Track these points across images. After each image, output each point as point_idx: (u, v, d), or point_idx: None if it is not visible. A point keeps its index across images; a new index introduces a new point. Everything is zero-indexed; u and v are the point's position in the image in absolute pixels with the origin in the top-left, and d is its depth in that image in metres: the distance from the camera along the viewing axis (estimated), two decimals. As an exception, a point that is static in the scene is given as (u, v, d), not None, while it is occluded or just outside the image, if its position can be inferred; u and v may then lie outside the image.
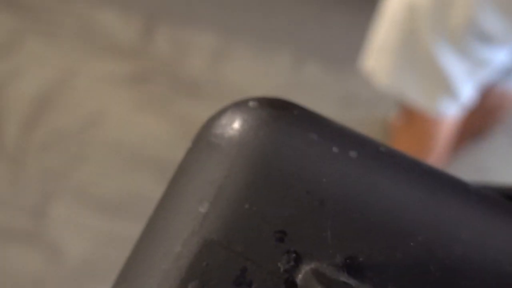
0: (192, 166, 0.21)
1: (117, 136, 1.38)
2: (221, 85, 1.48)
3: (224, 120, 0.21)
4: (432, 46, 0.83)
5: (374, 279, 0.20)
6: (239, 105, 0.21)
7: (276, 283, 0.20)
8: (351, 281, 0.20)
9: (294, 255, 0.20)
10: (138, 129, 1.38)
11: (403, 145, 1.07)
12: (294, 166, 0.20)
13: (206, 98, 1.45)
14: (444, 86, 0.87)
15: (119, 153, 1.35)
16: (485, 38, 0.80)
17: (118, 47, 1.52)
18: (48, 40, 1.52)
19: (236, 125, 0.21)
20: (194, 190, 0.20)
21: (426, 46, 0.84)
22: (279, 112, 0.21)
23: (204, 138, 0.21)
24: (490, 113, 1.20)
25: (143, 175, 1.30)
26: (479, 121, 1.25)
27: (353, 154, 0.21)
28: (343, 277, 0.20)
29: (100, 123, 1.39)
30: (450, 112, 0.92)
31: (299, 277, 0.20)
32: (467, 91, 0.88)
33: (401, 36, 0.87)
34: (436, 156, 1.04)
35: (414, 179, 0.21)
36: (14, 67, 1.48)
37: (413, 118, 0.99)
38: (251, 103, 0.21)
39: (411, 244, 0.20)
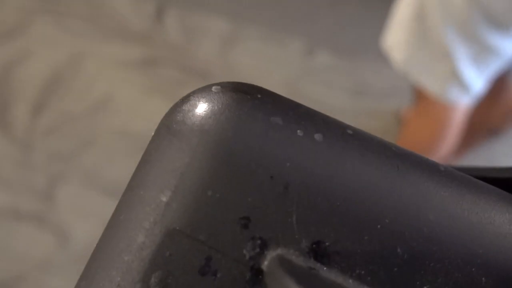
0: (154, 155, 0.21)
1: (125, 120, 1.38)
2: (231, 70, 1.47)
3: (186, 106, 0.21)
4: (439, 25, 0.82)
5: (341, 263, 0.19)
6: (202, 91, 0.21)
7: (242, 271, 0.19)
8: (318, 267, 0.19)
9: (259, 241, 0.19)
10: (146, 114, 1.38)
11: (414, 133, 1.07)
12: (258, 150, 0.20)
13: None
14: (450, 68, 0.86)
15: (127, 137, 1.35)
16: (492, 21, 0.79)
17: (129, 31, 1.51)
18: (58, 22, 1.52)
19: (198, 110, 0.20)
20: (155, 179, 0.20)
21: (434, 24, 0.83)
22: (242, 96, 0.21)
23: (165, 126, 0.21)
24: (508, 111, 1.19)
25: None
26: (496, 119, 1.23)
27: (318, 137, 0.20)
28: (310, 263, 0.19)
29: (108, 107, 1.40)
30: (459, 99, 0.91)
31: (265, 264, 0.19)
32: (474, 78, 0.87)
33: (413, 12, 0.86)
34: (446, 144, 1.03)
35: (381, 161, 0.20)
36: (22, 49, 1.48)
37: (424, 103, 0.98)
38: (214, 88, 0.21)
39: (378, 227, 0.20)
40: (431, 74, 0.90)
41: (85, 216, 1.24)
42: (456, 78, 0.87)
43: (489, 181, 0.21)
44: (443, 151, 1.04)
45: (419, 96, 0.99)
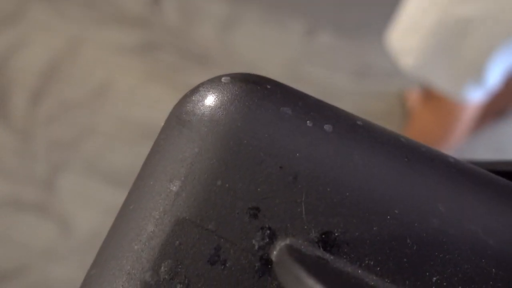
0: (163, 145, 0.21)
1: (125, 107, 1.37)
2: (231, 54, 1.46)
3: (195, 97, 0.21)
4: (483, 43, 0.79)
5: (350, 253, 0.20)
6: (211, 81, 0.21)
7: (251, 261, 0.19)
8: (327, 256, 0.20)
9: (268, 231, 0.20)
10: (146, 100, 1.38)
11: (424, 125, 1.06)
12: (267, 141, 0.20)
13: (216, 68, 1.44)
14: (476, 74, 0.83)
15: (127, 124, 1.35)
16: None
17: (126, 16, 1.50)
18: (54, 8, 1.51)
19: (207, 101, 0.20)
20: (165, 169, 0.20)
21: (475, 42, 0.80)
22: (251, 86, 0.21)
23: (175, 116, 0.21)
24: None
25: (151, 146, 1.26)
26: (502, 101, 1.23)
27: (328, 128, 0.20)
28: (319, 253, 0.20)
29: (108, 94, 1.39)
30: (476, 97, 0.89)
31: (274, 254, 0.19)
32: (494, 77, 0.85)
33: (438, 24, 0.82)
34: (455, 137, 1.02)
35: (391, 152, 0.20)
36: (19, 37, 1.47)
37: (435, 99, 0.97)
38: (223, 79, 0.21)
39: (388, 217, 0.20)
40: (448, 79, 0.87)
41: (87, 204, 1.24)
42: (477, 80, 0.85)
43: (499, 174, 0.21)
44: (452, 142, 1.03)
45: (430, 93, 0.97)
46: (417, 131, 1.08)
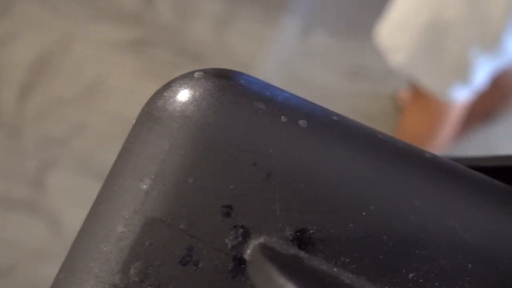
0: (134, 142, 0.20)
1: (117, 104, 1.37)
2: (225, 52, 1.46)
3: (167, 93, 0.20)
4: (463, 44, 0.80)
5: (325, 251, 0.19)
6: (184, 77, 0.21)
7: (224, 260, 0.19)
8: (302, 255, 0.19)
9: (241, 230, 0.19)
10: (139, 97, 1.37)
11: (412, 124, 1.06)
12: (240, 137, 0.19)
13: (210, 66, 1.42)
14: (461, 74, 0.85)
15: (119, 122, 1.34)
16: None
17: (119, 11, 1.50)
18: (44, 2, 1.50)
19: (179, 96, 0.20)
20: (135, 167, 0.19)
21: (456, 42, 0.81)
22: (224, 81, 0.20)
23: (146, 112, 0.20)
24: (503, 95, 1.19)
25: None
26: (491, 103, 1.23)
27: (302, 123, 0.20)
28: (293, 251, 0.19)
29: (99, 91, 1.38)
30: (461, 97, 0.90)
31: (248, 253, 0.19)
32: (481, 77, 0.86)
33: (427, 21, 0.83)
34: (443, 137, 1.02)
35: (366, 148, 0.20)
36: (8, 31, 1.46)
37: (423, 98, 0.97)
38: (196, 74, 0.20)
39: (363, 214, 0.19)
40: (435, 78, 0.88)
41: (77, 202, 1.24)
42: (464, 81, 0.86)
43: (477, 170, 0.21)
44: (440, 141, 1.04)
45: (419, 91, 0.98)
46: (406, 130, 1.08)
